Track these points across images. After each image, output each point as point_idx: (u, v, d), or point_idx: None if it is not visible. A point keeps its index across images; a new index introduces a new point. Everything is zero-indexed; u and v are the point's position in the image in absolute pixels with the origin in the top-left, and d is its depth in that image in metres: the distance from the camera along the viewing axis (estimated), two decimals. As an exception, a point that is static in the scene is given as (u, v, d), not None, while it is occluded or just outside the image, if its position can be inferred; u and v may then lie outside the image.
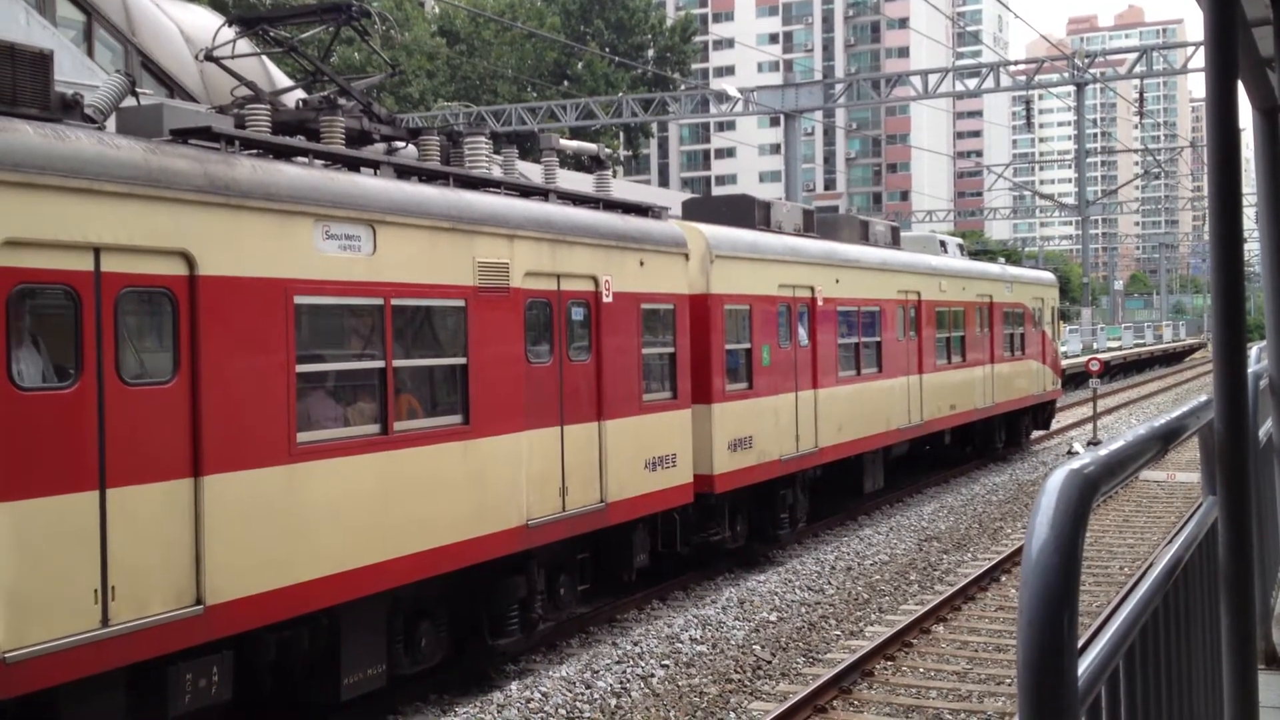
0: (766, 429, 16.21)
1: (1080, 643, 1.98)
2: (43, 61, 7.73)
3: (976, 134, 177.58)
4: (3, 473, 6.83)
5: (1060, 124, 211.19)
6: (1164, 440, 2.72)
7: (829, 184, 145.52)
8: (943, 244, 26.21)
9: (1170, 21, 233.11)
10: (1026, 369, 28.15)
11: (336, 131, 10.43)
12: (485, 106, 55.85)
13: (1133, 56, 49.78)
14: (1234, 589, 3.23)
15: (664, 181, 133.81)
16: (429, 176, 11.00)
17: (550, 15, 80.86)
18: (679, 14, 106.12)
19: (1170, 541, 3.26)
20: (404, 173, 10.65)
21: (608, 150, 15.32)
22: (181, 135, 8.69)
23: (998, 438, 27.17)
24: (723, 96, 50.40)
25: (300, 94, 12.57)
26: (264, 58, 21.21)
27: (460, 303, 10.59)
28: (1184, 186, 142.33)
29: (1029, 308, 28.58)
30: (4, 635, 6.80)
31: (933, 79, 48.36)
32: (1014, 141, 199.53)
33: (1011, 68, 49.37)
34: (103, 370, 7.41)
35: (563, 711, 10.30)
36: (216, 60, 11.01)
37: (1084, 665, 2.16)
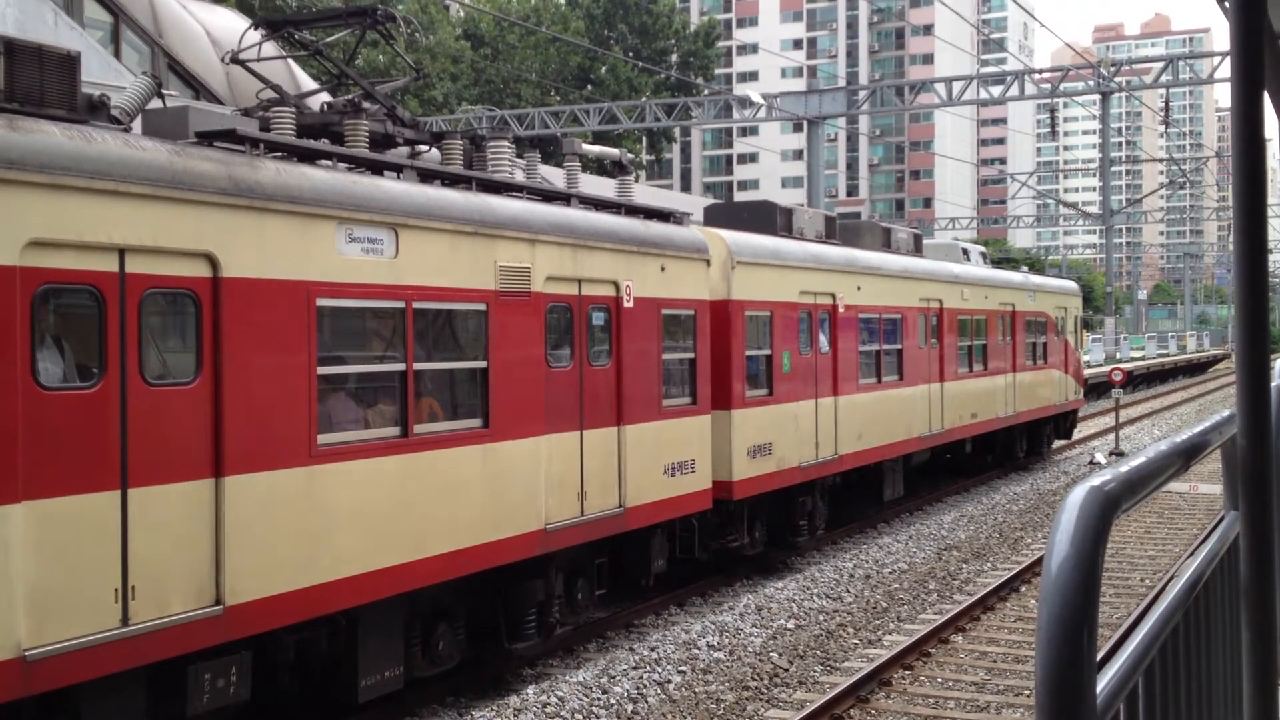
0: (786, 436, 16.19)
1: (1099, 658, 1.97)
2: (70, 63, 7.78)
3: (1000, 141, 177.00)
4: (26, 471, 6.88)
5: (1085, 132, 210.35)
6: (1186, 456, 2.70)
7: (851, 190, 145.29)
8: (965, 252, 26.13)
9: (1197, 30, 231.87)
10: (1048, 378, 28.03)
11: (360, 135, 10.47)
12: (508, 110, 55.99)
13: (1159, 66, 49.55)
14: (1256, 606, 3.20)
15: (686, 187, 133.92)
16: (452, 180, 11.03)
17: (574, 19, 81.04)
18: (703, 19, 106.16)
19: (1191, 556, 3.24)
20: (427, 176, 10.69)
21: (630, 155, 15.34)
22: (207, 138, 8.74)
23: (1019, 447, 27.05)
24: (746, 102, 50.38)
25: (325, 97, 12.62)
26: (289, 60, 21.31)
27: (481, 306, 10.61)
28: (1209, 196, 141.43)
29: (1051, 316, 28.47)
30: (25, 634, 6.84)
31: (957, 86, 48.23)
32: (1038, 149, 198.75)
33: (1036, 75, 49.19)
34: (126, 370, 7.45)
35: (579, 716, 10.30)
36: (242, 63, 11.07)
37: (1103, 682, 2.14)
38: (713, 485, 14.42)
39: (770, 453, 15.78)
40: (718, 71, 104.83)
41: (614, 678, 11.25)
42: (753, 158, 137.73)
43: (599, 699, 10.70)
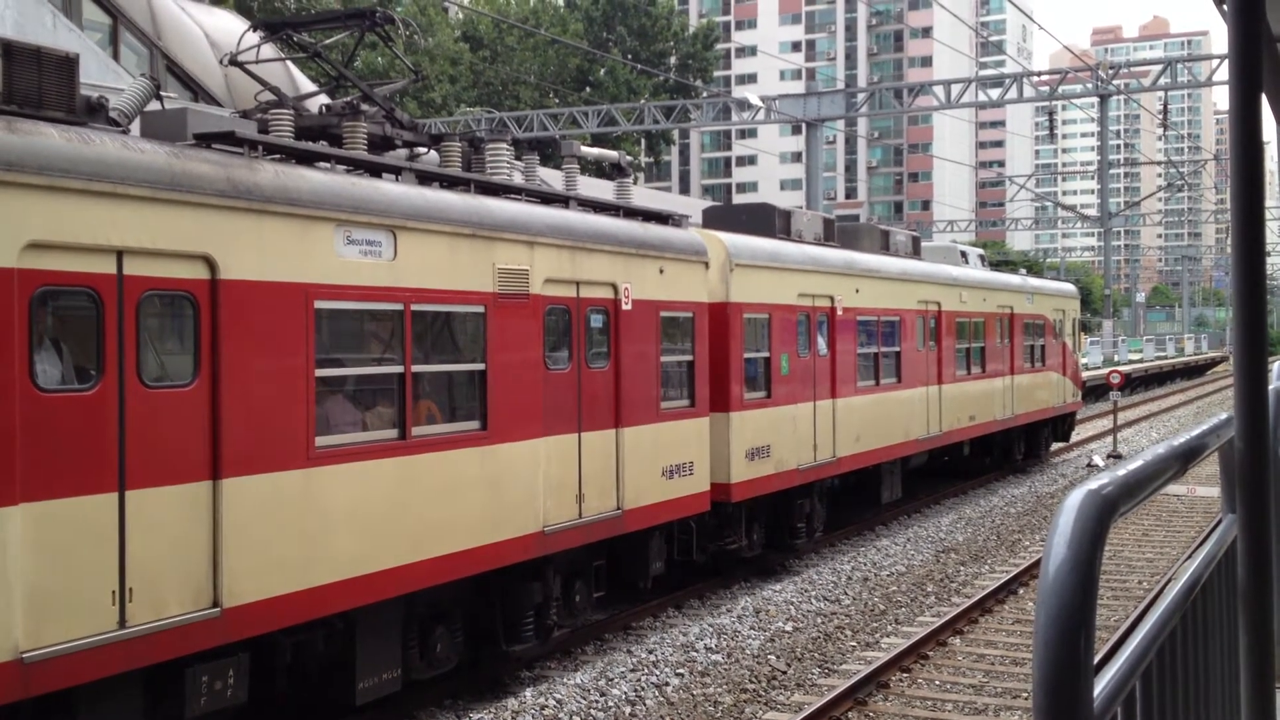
0: (784, 438, 16.19)
1: (1096, 660, 1.97)
2: (68, 64, 7.78)
3: (999, 144, 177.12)
4: (23, 473, 6.87)
5: (1083, 135, 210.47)
6: (1184, 459, 2.70)
7: (850, 193, 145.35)
8: (963, 254, 26.14)
9: (1196, 33, 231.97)
10: (1046, 380, 28.04)
11: (359, 137, 10.46)
12: (507, 112, 55.98)
13: (1157, 68, 49.59)
14: (1253, 609, 3.20)
15: (685, 189, 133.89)
16: (450, 182, 11.03)
17: (573, 21, 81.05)
18: (701, 21, 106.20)
19: (1189, 559, 3.24)
20: (425, 179, 10.68)
21: (629, 157, 15.34)
22: (205, 140, 8.74)
23: (1017, 449, 27.06)
24: (744, 104, 50.39)
25: (324, 99, 12.62)
26: (288, 63, 21.31)
27: (480, 309, 10.61)
28: (1207, 199, 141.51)
29: (1049, 319, 28.48)
30: (23, 636, 6.84)
31: (955, 89, 48.25)
32: (1037, 152, 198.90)
33: (1035, 78, 49.22)
34: (124, 372, 7.45)
35: (577, 718, 10.30)
36: (241, 65, 11.06)
37: (1100, 686, 2.14)
38: (711, 487, 14.41)
39: (768, 455, 15.78)
40: (716, 74, 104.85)
41: (612, 680, 11.24)
42: (751, 160, 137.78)
43: (597, 701, 10.70)
